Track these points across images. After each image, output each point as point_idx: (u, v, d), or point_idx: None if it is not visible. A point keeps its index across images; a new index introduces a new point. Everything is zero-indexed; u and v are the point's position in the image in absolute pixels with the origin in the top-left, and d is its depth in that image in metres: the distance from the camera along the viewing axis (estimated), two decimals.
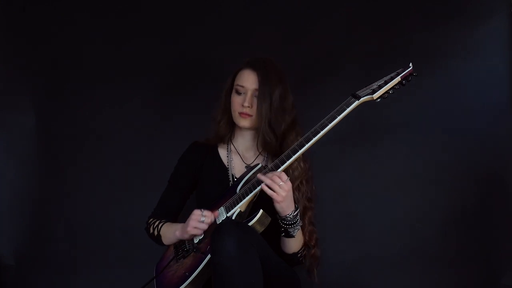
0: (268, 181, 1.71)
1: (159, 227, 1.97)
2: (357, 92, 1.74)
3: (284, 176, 1.72)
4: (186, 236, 1.83)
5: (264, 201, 1.76)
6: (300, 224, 1.84)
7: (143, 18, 2.74)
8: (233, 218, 1.76)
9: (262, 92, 1.88)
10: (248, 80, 1.91)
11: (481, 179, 2.58)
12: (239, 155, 2.03)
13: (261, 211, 1.72)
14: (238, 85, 1.93)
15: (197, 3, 2.73)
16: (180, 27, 2.73)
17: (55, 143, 2.74)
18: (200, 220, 1.78)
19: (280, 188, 1.70)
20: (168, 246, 1.98)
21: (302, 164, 1.92)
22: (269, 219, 1.74)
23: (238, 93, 1.93)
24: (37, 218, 2.71)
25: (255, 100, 1.90)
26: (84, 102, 2.73)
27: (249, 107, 1.90)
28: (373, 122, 2.58)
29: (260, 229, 1.74)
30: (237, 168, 2.01)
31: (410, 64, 1.73)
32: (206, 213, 1.79)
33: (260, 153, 2.01)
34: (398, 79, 1.72)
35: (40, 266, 2.67)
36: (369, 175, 2.64)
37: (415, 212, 2.61)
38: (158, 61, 2.73)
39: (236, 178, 1.97)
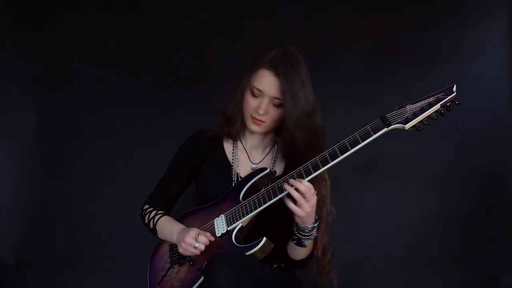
0: (296, 195, 1.60)
1: (155, 220, 1.90)
2: (387, 116, 1.54)
3: (313, 190, 1.62)
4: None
5: (268, 214, 1.69)
6: (315, 235, 1.74)
7: (144, 17, 2.74)
8: (234, 233, 1.71)
9: (288, 103, 1.69)
10: (268, 85, 1.72)
11: (481, 179, 2.58)
12: (246, 153, 1.92)
13: (264, 239, 1.64)
14: (255, 87, 1.74)
15: (197, 3, 2.73)
16: (180, 27, 2.72)
17: (55, 143, 2.74)
18: (194, 246, 1.70)
19: (307, 202, 1.61)
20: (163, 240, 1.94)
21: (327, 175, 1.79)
22: (272, 246, 1.66)
23: (254, 95, 1.76)
24: (37, 218, 2.71)
25: (271, 107, 1.75)
26: (84, 102, 2.73)
27: (264, 114, 1.76)
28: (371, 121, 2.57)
29: (261, 256, 1.66)
30: (242, 166, 1.91)
31: (454, 89, 1.49)
32: (201, 239, 1.70)
33: (268, 153, 1.92)
34: (437, 107, 1.50)
35: (40, 266, 2.67)
36: (369, 175, 2.64)
37: (415, 212, 2.61)
38: (158, 61, 2.72)
39: (240, 176, 1.88)
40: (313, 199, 1.63)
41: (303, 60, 1.76)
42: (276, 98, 1.73)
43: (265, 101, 1.74)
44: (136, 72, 2.73)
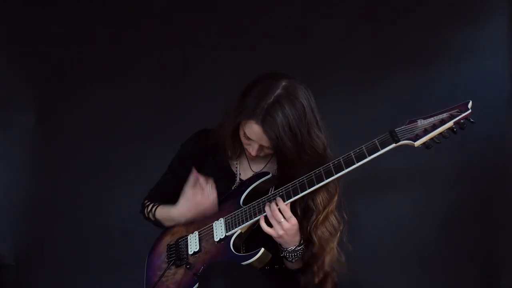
0: (268, 213, 1.63)
1: (153, 212, 1.92)
2: (396, 130, 1.45)
3: (288, 213, 1.61)
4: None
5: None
6: (299, 256, 1.72)
7: (143, 18, 2.74)
8: (232, 239, 1.70)
9: (278, 148, 1.64)
10: (257, 137, 1.66)
11: (481, 179, 2.58)
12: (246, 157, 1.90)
13: (262, 250, 1.63)
14: (245, 132, 1.68)
15: (197, 4, 2.73)
16: (181, 28, 2.73)
17: (55, 143, 2.74)
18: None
19: (279, 225, 1.61)
20: (162, 236, 1.94)
21: (330, 190, 1.75)
22: (270, 256, 1.66)
23: (245, 137, 1.70)
24: (37, 218, 2.71)
25: (262, 148, 1.71)
26: (84, 102, 2.73)
27: (256, 155, 1.74)
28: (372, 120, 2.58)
29: (258, 265, 1.65)
30: (244, 168, 1.89)
31: (469, 105, 1.38)
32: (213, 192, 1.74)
33: (269, 161, 1.87)
34: (450, 124, 1.40)
35: (40, 266, 2.68)
36: (369, 175, 2.63)
37: (415, 212, 2.60)
38: (158, 61, 2.73)
39: (241, 178, 1.87)
40: (286, 224, 1.61)
41: (303, 93, 1.65)
42: (266, 146, 1.70)
43: (256, 146, 1.71)
44: (136, 72, 2.73)
